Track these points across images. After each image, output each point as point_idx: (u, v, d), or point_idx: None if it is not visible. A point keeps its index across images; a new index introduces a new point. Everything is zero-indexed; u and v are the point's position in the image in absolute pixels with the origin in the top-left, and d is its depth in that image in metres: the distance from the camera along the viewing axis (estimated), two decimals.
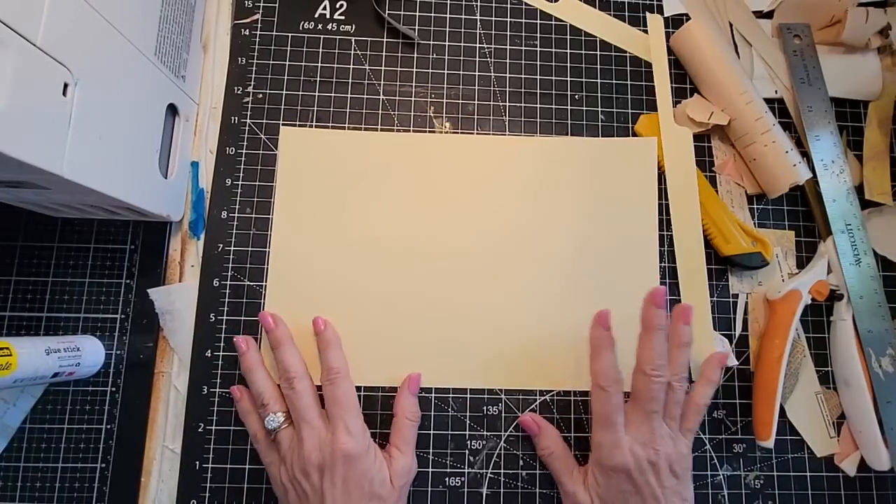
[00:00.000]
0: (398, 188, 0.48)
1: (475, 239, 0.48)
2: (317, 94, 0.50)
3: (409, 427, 0.43)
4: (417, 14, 0.52)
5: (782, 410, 0.47)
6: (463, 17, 0.52)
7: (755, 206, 0.50)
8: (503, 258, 0.47)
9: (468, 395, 0.46)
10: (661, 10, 0.53)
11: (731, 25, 0.52)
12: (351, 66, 0.50)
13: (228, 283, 0.47)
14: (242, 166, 0.48)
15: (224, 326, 0.46)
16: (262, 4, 0.51)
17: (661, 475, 0.40)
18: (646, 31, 0.52)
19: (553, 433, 0.45)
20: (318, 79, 0.50)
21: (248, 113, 0.49)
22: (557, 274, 0.48)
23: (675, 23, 0.52)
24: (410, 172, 0.48)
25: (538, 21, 0.52)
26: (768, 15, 0.53)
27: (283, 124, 0.49)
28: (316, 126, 0.49)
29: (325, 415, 0.42)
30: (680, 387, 0.42)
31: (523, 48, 0.52)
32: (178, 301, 0.46)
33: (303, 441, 0.40)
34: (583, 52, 0.52)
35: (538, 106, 0.51)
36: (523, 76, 0.51)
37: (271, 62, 0.50)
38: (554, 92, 0.51)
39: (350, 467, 0.39)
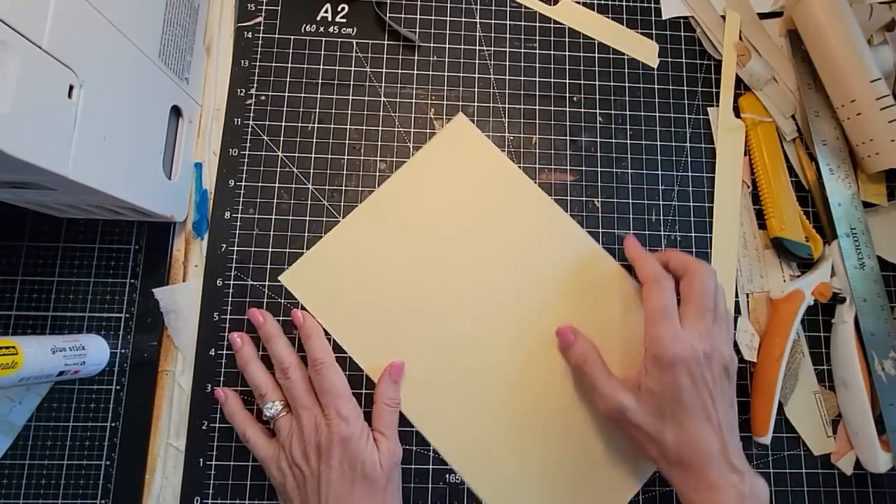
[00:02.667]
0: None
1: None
2: (319, 95, 0.50)
3: (388, 412, 0.44)
4: (418, 17, 0.52)
5: (780, 408, 0.47)
6: (463, 19, 0.52)
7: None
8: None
9: None
10: (658, 13, 0.53)
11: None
12: (352, 69, 0.51)
13: (232, 282, 0.47)
14: (245, 167, 0.49)
15: (227, 325, 0.46)
16: (264, 7, 0.51)
17: (714, 372, 0.40)
18: (643, 34, 0.53)
19: (589, 341, 0.45)
20: (319, 81, 0.50)
21: (251, 115, 0.49)
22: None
23: (672, 26, 0.53)
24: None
25: (537, 24, 0.53)
26: (771, 15, 0.54)
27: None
28: (318, 126, 0.49)
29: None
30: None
31: (522, 51, 0.52)
32: (181, 300, 0.46)
33: (302, 426, 0.41)
34: (581, 54, 0.52)
35: (537, 108, 0.51)
36: (522, 78, 0.52)
37: (274, 64, 0.50)
38: (552, 94, 0.51)
39: (345, 449, 0.40)
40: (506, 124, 0.51)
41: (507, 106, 0.51)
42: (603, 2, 0.53)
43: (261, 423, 0.44)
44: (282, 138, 0.49)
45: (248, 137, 0.49)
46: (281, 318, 0.46)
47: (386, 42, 0.52)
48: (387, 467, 0.41)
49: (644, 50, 0.53)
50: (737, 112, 0.52)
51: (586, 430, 0.46)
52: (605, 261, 0.49)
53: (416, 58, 0.51)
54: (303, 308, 0.47)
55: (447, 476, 0.45)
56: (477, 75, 0.51)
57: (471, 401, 0.46)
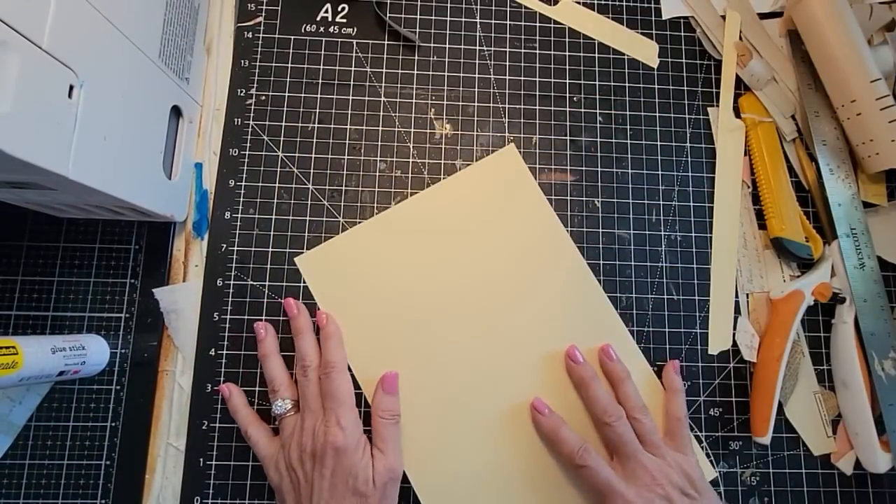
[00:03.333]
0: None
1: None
2: (319, 95, 0.50)
3: (384, 425, 0.43)
4: (418, 17, 0.52)
5: (780, 408, 0.47)
6: (463, 20, 0.52)
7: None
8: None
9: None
10: (658, 13, 0.53)
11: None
12: (352, 69, 0.51)
13: (232, 282, 0.47)
14: (245, 167, 0.49)
15: (227, 325, 0.46)
16: (264, 7, 0.51)
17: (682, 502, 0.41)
18: (643, 34, 0.53)
19: (575, 435, 0.44)
20: (320, 81, 0.50)
21: (251, 115, 0.49)
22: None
23: (672, 26, 0.53)
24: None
25: (537, 24, 0.53)
26: (771, 15, 0.54)
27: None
28: (318, 126, 0.49)
29: None
30: (644, 417, 0.43)
31: (522, 51, 0.52)
32: (182, 300, 0.46)
33: (304, 428, 0.41)
34: (581, 54, 0.52)
35: (537, 108, 0.51)
36: (522, 78, 0.52)
37: (274, 64, 0.50)
38: (552, 94, 0.51)
39: (338, 460, 0.39)
40: (506, 124, 0.51)
41: (507, 106, 0.51)
42: (603, 2, 0.53)
43: (264, 422, 0.44)
44: (282, 138, 0.49)
45: (248, 137, 0.49)
46: (282, 318, 0.47)
47: (386, 42, 0.52)
48: (380, 484, 0.40)
49: (644, 50, 0.53)
50: (737, 112, 0.52)
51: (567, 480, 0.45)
52: (619, 332, 0.48)
53: (416, 58, 0.51)
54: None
55: None
56: (477, 75, 0.51)
57: (453, 429, 0.46)
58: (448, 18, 0.52)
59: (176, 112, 0.46)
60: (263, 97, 0.50)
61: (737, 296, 0.49)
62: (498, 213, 0.49)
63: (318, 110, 0.50)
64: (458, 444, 0.45)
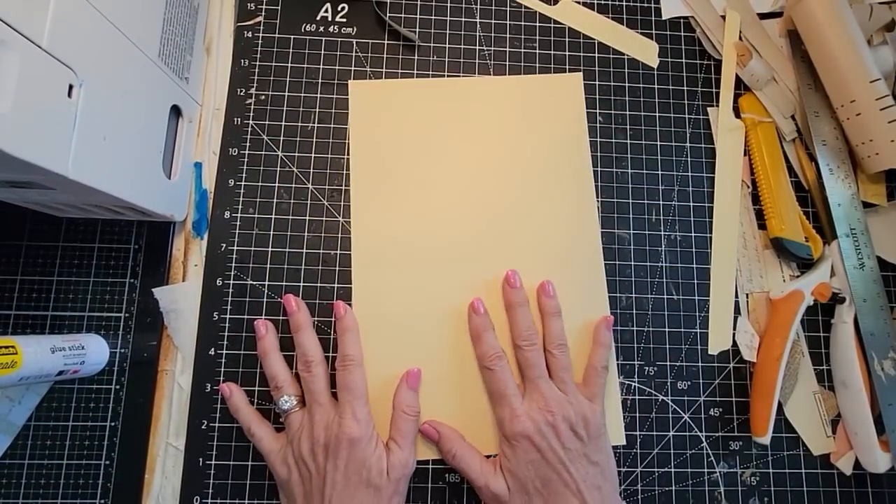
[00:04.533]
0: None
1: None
2: (319, 95, 0.50)
3: (406, 421, 0.43)
4: (418, 17, 0.52)
5: (779, 408, 0.47)
6: (463, 19, 0.52)
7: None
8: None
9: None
10: (658, 13, 0.53)
11: None
12: (352, 68, 0.51)
13: (231, 282, 0.47)
14: (245, 167, 0.49)
15: (227, 325, 0.46)
16: (264, 7, 0.51)
17: (562, 437, 0.41)
18: (643, 34, 0.53)
19: (453, 435, 0.44)
20: (319, 80, 0.50)
21: (251, 114, 0.49)
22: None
23: (672, 26, 0.53)
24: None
25: (537, 24, 0.53)
26: (771, 15, 0.54)
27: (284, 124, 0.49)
28: (318, 126, 0.49)
29: (335, 400, 0.43)
30: (559, 353, 0.45)
31: (522, 50, 0.52)
32: (181, 300, 0.46)
33: (314, 422, 0.41)
34: (581, 54, 0.52)
35: None
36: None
37: (274, 64, 0.50)
38: None
39: (352, 452, 0.40)
40: None
41: None
42: (603, 2, 0.53)
43: (266, 420, 0.44)
44: (282, 138, 0.49)
45: (248, 137, 0.49)
46: (281, 317, 0.47)
47: (386, 42, 0.52)
48: (394, 479, 0.41)
49: (644, 50, 0.53)
50: (737, 112, 0.52)
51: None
52: (598, 277, 0.49)
53: (416, 58, 0.51)
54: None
55: (447, 476, 0.45)
56: (477, 75, 0.51)
57: (415, 297, 0.48)
58: (448, 18, 0.52)
59: (176, 112, 0.46)
60: (263, 97, 0.50)
61: (737, 296, 0.49)
62: (540, 126, 0.51)
63: (318, 110, 0.50)
64: (416, 314, 0.47)
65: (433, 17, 0.52)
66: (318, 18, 0.52)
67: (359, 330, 0.46)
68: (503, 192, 0.49)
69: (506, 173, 0.50)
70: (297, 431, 0.42)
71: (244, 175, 0.49)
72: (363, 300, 0.47)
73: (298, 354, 0.44)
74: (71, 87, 0.32)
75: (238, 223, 0.48)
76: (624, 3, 0.53)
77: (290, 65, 0.50)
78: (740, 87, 0.52)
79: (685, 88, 0.52)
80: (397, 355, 0.46)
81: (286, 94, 0.50)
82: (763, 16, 0.53)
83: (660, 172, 0.51)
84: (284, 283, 0.47)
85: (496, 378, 0.44)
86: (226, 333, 0.46)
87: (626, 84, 0.52)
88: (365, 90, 0.50)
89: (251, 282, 0.47)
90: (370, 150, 0.49)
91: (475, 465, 0.43)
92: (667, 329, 0.49)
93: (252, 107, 0.50)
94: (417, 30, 0.52)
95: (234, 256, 0.47)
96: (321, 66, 0.51)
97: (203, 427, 0.45)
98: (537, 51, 0.52)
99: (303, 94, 0.50)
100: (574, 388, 0.44)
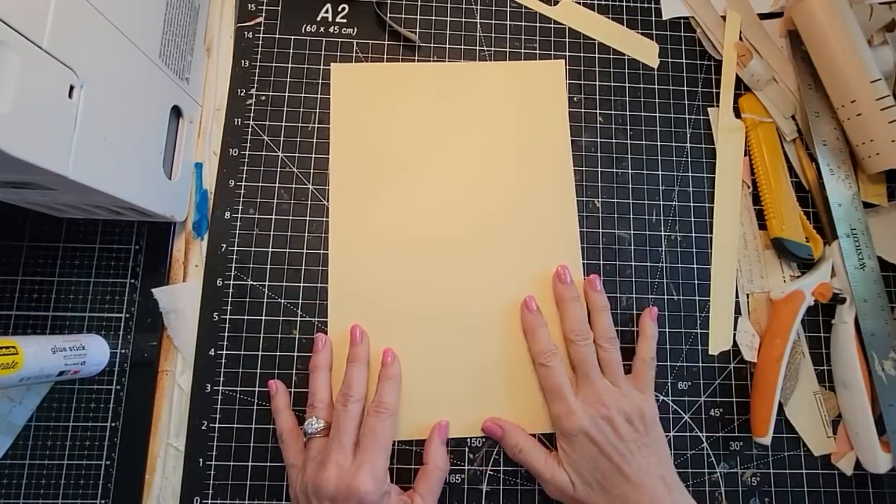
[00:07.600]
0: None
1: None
2: (319, 96, 0.50)
3: (438, 478, 0.43)
4: (418, 17, 0.52)
5: (780, 409, 0.47)
6: (463, 20, 0.52)
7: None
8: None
9: None
10: (658, 14, 0.53)
11: None
12: None
13: (232, 282, 0.47)
14: (245, 167, 0.49)
15: (227, 326, 0.46)
16: (264, 7, 0.51)
17: (618, 430, 0.42)
18: (643, 34, 0.53)
19: (517, 430, 0.45)
20: (320, 81, 0.50)
21: (251, 115, 0.49)
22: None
23: (672, 26, 0.53)
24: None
25: (537, 24, 0.53)
26: (771, 16, 0.54)
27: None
28: (318, 126, 0.50)
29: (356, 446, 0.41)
30: (610, 346, 0.45)
31: (522, 51, 0.52)
32: (181, 300, 0.46)
33: (328, 462, 0.39)
34: (581, 54, 0.52)
35: None
36: None
37: (274, 64, 0.50)
38: None
39: None
40: None
41: None
42: (603, 2, 0.53)
43: (300, 430, 0.43)
44: (282, 138, 0.49)
45: (248, 137, 0.49)
46: (283, 317, 0.47)
47: (386, 42, 0.52)
48: None
49: (644, 50, 0.53)
50: (737, 112, 0.52)
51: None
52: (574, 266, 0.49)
53: (416, 58, 0.51)
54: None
55: (447, 476, 0.45)
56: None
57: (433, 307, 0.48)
58: (448, 18, 0.52)
59: (176, 112, 0.46)
60: (263, 97, 0.50)
61: (737, 296, 0.49)
62: (522, 111, 0.51)
63: (318, 110, 0.50)
64: (437, 326, 0.47)
65: (433, 18, 0.52)
66: (318, 19, 0.52)
67: (401, 381, 0.45)
68: (484, 175, 0.50)
69: (487, 156, 0.50)
70: (311, 462, 0.40)
71: (244, 175, 0.49)
72: (339, 283, 0.47)
73: (343, 386, 0.43)
74: (71, 87, 0.32)
75: (238, 223, 0.48)
76: (624, 4, 0.53)
77: (290, 65, 0.50)
78: (740, 87, 0.52)
79: (685, 88, 0.52)
80: (376, 339, 0.46)
81: (286, 94, 0.50)
82: (763, 16, 0.53)
83: (660, 172, 0.51)
84: (285, 284, 0.47)
85: (552, 375, 0.44)
86: (226, 334, 0.46)
87: (627, 84, 0.52)
88: (347, 72, 0.50)
89: (251, 282, 0.47)
90: (351, 133, 0.49)
91: (541, 459, 0.43)
92: (667, 329, 0.48)
93: (252, 107, 0.50)
94: (417, 30, 0.52)
95: (235, 257, 0.47)
96: (321, 67, 0.51)
97: (203, 428, 0.45)
98: (537, 51, 0.52)
99: (303, 95, 0.50)
100: (626, 381, 0.44)
